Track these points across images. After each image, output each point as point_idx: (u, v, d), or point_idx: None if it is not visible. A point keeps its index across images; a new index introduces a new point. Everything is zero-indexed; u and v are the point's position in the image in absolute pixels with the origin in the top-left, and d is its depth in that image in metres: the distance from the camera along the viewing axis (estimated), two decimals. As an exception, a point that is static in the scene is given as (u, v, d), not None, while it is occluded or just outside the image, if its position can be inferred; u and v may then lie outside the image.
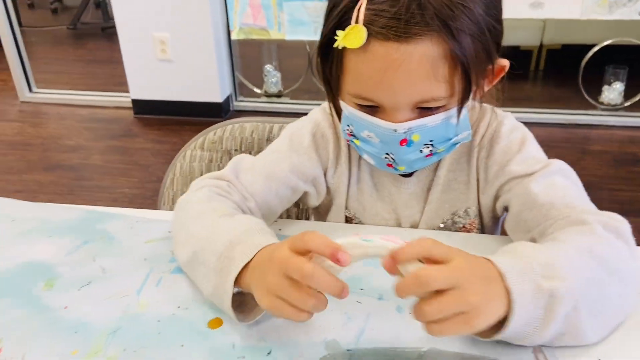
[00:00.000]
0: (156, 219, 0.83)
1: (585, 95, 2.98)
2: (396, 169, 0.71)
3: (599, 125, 2.92)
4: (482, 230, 0.81)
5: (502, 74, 0.69)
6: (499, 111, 0.77)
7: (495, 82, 0.70)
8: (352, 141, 0.72)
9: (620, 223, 0.61)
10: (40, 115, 3.31)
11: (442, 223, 0.80)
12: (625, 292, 0.57)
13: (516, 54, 3.83)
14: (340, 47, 0.60)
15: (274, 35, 2.90)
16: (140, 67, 3.08)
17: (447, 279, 0.48)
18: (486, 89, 0.69)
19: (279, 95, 3.23)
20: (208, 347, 0.58)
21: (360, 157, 0.78)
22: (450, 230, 0.80)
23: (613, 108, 2.96)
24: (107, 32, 3.10)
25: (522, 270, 0.52)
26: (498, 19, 0.63)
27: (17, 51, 3.30)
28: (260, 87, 3.24)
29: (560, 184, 0.68)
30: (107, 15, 2.94)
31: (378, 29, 0.58)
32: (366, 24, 0.58)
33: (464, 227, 0.80)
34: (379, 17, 0.58)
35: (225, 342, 0.58)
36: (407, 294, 0.49)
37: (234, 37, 2.96)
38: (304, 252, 0.52)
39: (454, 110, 0.64)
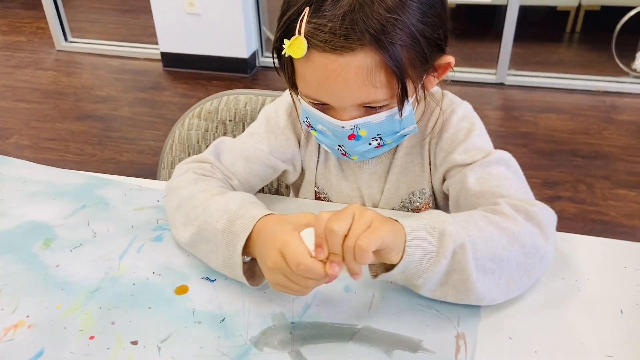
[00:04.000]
0: (149, 187, 0.91)
1: (617, 61, 2.88)
2: (350, 158, 0.77)
3: (628, 93, 2.84)
4: (437, 209, 0.87)
5: (449, 69, 0.72)
6: (456, 99, 0.81)
7: (442, 77, 0.73)
8: (310, 131, 0.77)
9: (534, 207, 0.65)
10: (75, 64, 3.42)
11: (401, 202, 0.85)
12: (526, 264, 0.62)
13: (552, 14, 3.69)
14: (286, 56, 0.65)
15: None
16: (168, 19, 3.13)
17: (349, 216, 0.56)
18: (431, 85, 0.73)
19: (305, 52, 3.23)
20: (171, 310, 0.66)
21: None
22: (407, 209, 0.86)
23: (645, 76, 2.86)
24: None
25: (418, 218, 0.60)
26: (437, 24, 0.65)
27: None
28: (286, 43, 3.25)
29: (496, 174, 0.72)
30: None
31: (317, 42, 0.62)
32: (307, 36, 0.62)
33: (420, 205, 0.86)
34: (318, 30, 0.62)
35: (187, 308, 0.66)
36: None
37: (261, -9, 2.97)
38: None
39: (396, 108, 0.68)
